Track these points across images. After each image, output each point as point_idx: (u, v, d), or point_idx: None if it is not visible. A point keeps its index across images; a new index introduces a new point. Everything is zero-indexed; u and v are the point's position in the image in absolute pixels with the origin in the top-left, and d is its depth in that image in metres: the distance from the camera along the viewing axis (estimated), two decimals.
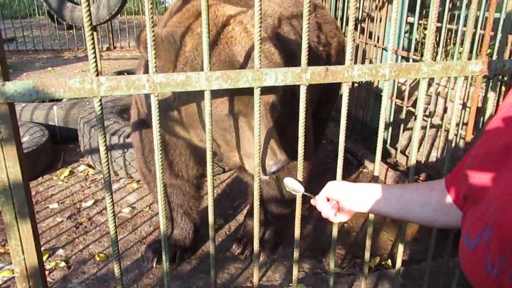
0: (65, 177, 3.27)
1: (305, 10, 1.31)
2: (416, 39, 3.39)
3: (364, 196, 1.34)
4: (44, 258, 2.33)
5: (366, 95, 4.10)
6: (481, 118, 2.70)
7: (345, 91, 1.44)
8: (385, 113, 1.55)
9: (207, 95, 1.32)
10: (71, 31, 8.79)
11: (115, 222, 1.37)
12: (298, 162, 1.51)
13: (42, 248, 2.41)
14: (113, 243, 1.39)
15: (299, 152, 1.49)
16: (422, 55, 3.65)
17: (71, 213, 2.79)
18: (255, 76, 1.32)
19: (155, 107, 1.28)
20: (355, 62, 4.38)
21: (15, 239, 1.29)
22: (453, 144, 3.03)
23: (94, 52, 1.18)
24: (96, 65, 1.19)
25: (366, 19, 4.15)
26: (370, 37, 4.06)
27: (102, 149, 1.27)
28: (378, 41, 3.84)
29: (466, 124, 2.61)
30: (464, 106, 3.16)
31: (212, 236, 1.48)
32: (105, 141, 1.27)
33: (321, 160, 3.61)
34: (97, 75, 1.20)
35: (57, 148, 3.63)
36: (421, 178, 3.24)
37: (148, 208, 2.85)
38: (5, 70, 1.15)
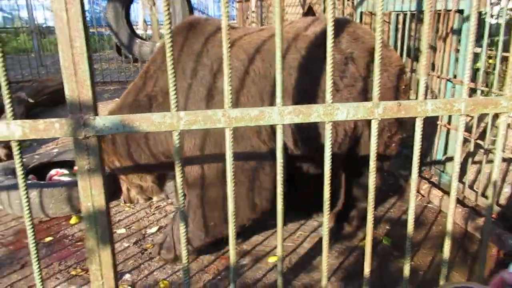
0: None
1: (378, 46, 1.32)
2: (482, 70, 3.26)
3: None
4: None
5: (429, 126, 3.97)
6: None
7: (418, 126, 1.41)
8: (456, 148, 1.50)
9: (279, 129, 1.34)
10: (136, 64, 9.36)
11: (187, 250, 1.41)
12: (369, 199, 1.48)
13: None
14: (185, 273, 1.43)
15: (370, 187, 1.46)
16: (487, 85, 3.51)
17: (137, 239, 2.89)
18: (326, 111, 1.33)
19: (229, 141, 1.32)
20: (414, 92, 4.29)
21: (95, 264, 1.36)
22: None
23: (175, 89, 1.26)
24: (177, 101, 1.26)
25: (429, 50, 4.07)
26: (433, 68, 3.97)
27: (178, 181, 1.33)
28: (441, 72, 3.74)
29: None
30: None
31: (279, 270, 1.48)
32: (182, 173, 1.33)
33: (382, 194, 3.51)
34: (177, 110, 1.27)
35: None
36: (493, 216, 3.05)
37: None
38: (95, 106, 1.25)
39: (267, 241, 2.86)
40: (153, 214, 3.25)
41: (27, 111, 5.94)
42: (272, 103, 2.32)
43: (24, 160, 3.65)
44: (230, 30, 2.67)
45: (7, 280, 2.47)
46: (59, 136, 1.22)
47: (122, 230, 3.00)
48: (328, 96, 1.33)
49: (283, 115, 1.31)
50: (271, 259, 2.62)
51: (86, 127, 1.23)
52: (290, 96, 2.38)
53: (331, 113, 1.34)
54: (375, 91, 1.36)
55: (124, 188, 2.96)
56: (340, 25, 2.59)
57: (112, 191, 3.48)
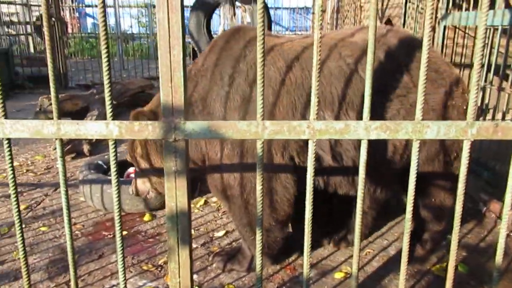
0: (200, 206, 3.52)
1: (477, 62, 1.25)
2: None
3: None
4: None
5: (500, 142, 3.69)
6: None
7: None
8: None
9: (363, 144, 1.32)
10: None
11: (261, 258, 1.42)
12: (455, 224, 1.40)
13: None
14: (258, 280, 1.44)
15: (457, 211, 1.38)
16: None
17: (205, 241, 2.97)
18: (415, 128, 1.29)
19: (312, 153, 1.32)
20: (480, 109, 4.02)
21: (174, 262, 1.41)
22: None
23: (262, 99, 1.28)
24: (263, 111, 1.28)
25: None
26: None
27: (258, 188, 1.35)
28: None
29: None
30: None
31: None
32: (262, 178, 1.34)
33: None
34: (263, 119, 1.29)
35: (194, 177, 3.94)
36: None
37: None
38: (186, 111, 1.30)
39: (332, 256, 2.80)
40: (221, 218, 3.32)
41: None
42: (305, 114, 2.26)
43: (105, 157, 3.91)
44: (272, 37, 2.65)
45: (86, 268, 2.64)
46: (151, 138, 1.29)
47: (191, 231, 3.09)
48: (418, 114, 1.28)
49: (369, 130, 1.29)
50: (338, 275, 2.56)
51: (176, 131, 1.29)
52: (329, 106, 2.28)
53: (420, 130, 1.29)
54: (470, 110, 1.29)
55: (139, 181, 3.01)
56: (394, 34, 2.48)
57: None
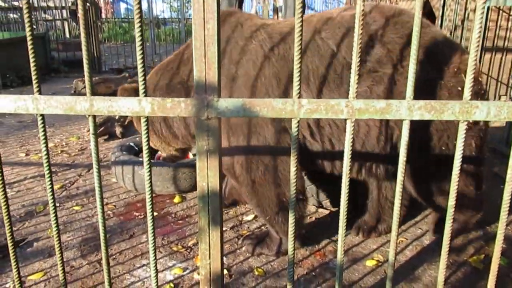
0: None
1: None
2: None
3: None
4: None
5: None
6: None
7: None
8: None
9: (405, 125, 1.24)
10: None
11: (294, 242, 1.38)
12: (501, 215, 1.31)
13: None
14: (290, 264, 1.40)
15: (504, 200, 1.30)
16: None
17: (234, 224, 2.96)
18: (463, 109, 1.20)
19: (350, 133, 1.26)
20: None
21: (205, 243, 1.39)
22: None
23: (299, 75, 1.22)
24: (299, 87, 1.22)
25: None
26: None
27: (292, 170, 1.30)
28: None
29: None
30: None
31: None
32: (296, 162, 1.29)
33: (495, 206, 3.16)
34: (299, 97, 1.23)
35: None
36: None
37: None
38: (219, 89, 1.26)
39: (364, 243, 2.73)
40: None
41: None
42: (287, 85, 2.27)
43: (137, 139, 3.94)
44: (267, 20, 2.64)
45: (117, 247, 2.68)
46: (184, 115, 1.26)
47: None
48: (467, 93, 1.20)
49: (412, 109, 1.21)
50: (369, 263, 2.50)
51: (209, 108, 1.25)
52: (304, 80, 2.25)
53: (468, 111, 1.20)
54: None
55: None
56: (383, 11, 2.33)
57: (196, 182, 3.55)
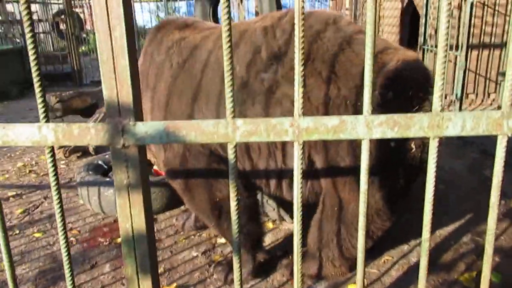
0: None
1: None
2: None
3: None
4: None
5: None
6: None
7: None
8: None
9: (364, 145, 1.02)
10: None
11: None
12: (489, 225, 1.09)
13: (175, 284, 2.35)
14: None
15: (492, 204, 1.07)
16: None
17: (206, 248, 2.72)
18: (433, 123, 0.98)
19: (299, 158, 1.03)
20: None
21: None
22: None
23: (232, 90, 1.00)
24: (233, 106, 1.00)
25: None
26: None
27: (232, 196, 1.07)
28: None
29: None
30: None
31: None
32: (236, 190, 1.07)
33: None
34: (233, 117, 1.01)
35: None
36: None
37: (285, 253, 2.62)
38: (138, 110, 1.03)
39: None
40: None
41: None
42: (194, 105, 2.20)
43: (106, 156, 3.70)
44: (189, 29, 2.53)
45: (76, 280, 2.43)
46: (95, 144, 1.03)
47: (192, 237, 2.85)
48: (437, 105, 0.98)
49: (371, 127, 0.99)
50: (352, 287, 2.27)
51: (125, 134, 1.02)
52: (210, 103, 2.17)
53: (439, 125, 0.98)
54: (506, 97, 0.97)
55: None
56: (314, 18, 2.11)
57: (167, 202, 3.27)
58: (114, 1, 0.95)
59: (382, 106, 1.85)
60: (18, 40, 11.15)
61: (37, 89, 1.01)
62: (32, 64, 0.99)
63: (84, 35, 14.72)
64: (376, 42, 2.07)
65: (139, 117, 1.04)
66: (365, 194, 1.04)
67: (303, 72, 0.99)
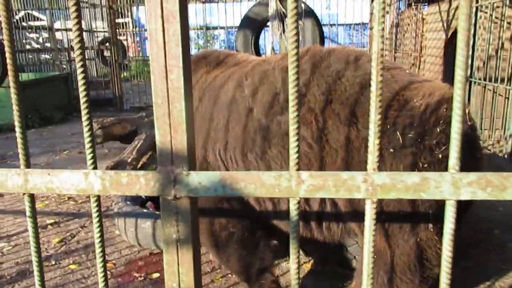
0: None
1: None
2: None
3: None
4: None
5: None
6: None
7: None
8: None
9: (449, 207, 0.88)
10: None
11: None
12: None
13: None
14: None
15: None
16: None
17: None
18: None
19: (371, 218, 0.90)
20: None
21: None
22: None
23: (297, 139, 0.89)
24: (298, 157, 0.89)
25: None
26: None
27: (294, 258, 0.95)
28: None
29: None
30: None
31: None
32: (298, 251, 0.94)
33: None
34: (298, 169, 0.90)
35: None
36: None
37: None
38: (192, 158, 0.94)
39: None
40: None
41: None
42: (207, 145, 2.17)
43: None
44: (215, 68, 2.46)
45: None
46: (144, 194, 0.94)
47: (229, 275, 2.71)
48: None
49: (459, 186, 0.85)
50: None
51: (177, 184, 0.93)
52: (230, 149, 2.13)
53: None
54: None
55: None
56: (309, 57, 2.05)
57: None
58: (172, 41, 0.88)
59: (404, 147, 1.71)
60: (64, 66, 11.65)
61: (86, 133, 0.93)
62: (83, 107, 0.92)
63: (127, 62, 15.19)
64: (399, 77, 1.97)
65: (193, 166, 0.95)
66: (448, 265, 0.90)
67: (379, 122, 0.87)
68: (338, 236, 2.14)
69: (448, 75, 7.21)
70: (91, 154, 0.94)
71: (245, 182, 0.91)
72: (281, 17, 4.39)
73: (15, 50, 0.94)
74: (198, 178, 0.92)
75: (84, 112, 0.92)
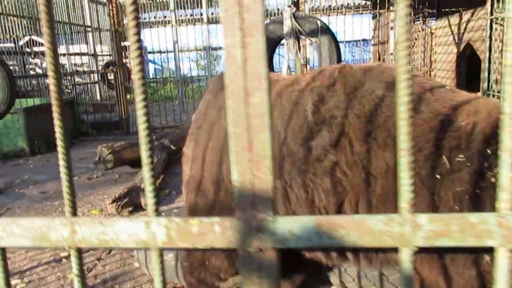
0: None
1: None
2: None
3: None
4: None
5: None
6: None
7: None
8: None
9: None
10: None
11: None
12: None
13: None
14: None
15: None
16: None
17: None
18: None
19: (506, 271, 0.73)
20: None
21: None
22: None
23: (410, 179, 0.72)
24: (413, 198, 0.72)
25: None
26: None
27: None
28: None
29: None
30: None
31: None
32: None
33: None
34: (413, 211, 0.73)
35: None
36: None
37: None
38: (273, 202, 0.77)
39: None
40: None
41: (169, 157, 6.08)
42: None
43: (162, 213, 3.48)
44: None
45: None
46: (219, 246, 0.77)
47: None
48: None
49: None
50: None
51: (260, 233, 0.75)
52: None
53: None
54: None
55: None
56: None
57: None
58: (255, 57, 0.72)
59: (452, 172, 1.55)
60: (68, 91, 11.59)
61: (147, 181, 0.77)
62: (145, 164, 0.75)
63: (131, 85, 15.17)
64: (440, 94, 1.83)
65: (276, 210, 0.78)
66: None
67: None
68: (378, 265, 1.97)
69: (462, 88, 7.09)
70: (155, 199, 0.77)
71: (346, 229, 0.74)
72: (297, 35, 4.31)
73: (61, 77, 0.78)
74: (287, 225, 0.75)
75: (145, 162, 0.75)
